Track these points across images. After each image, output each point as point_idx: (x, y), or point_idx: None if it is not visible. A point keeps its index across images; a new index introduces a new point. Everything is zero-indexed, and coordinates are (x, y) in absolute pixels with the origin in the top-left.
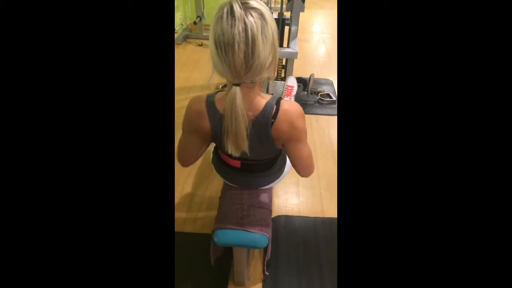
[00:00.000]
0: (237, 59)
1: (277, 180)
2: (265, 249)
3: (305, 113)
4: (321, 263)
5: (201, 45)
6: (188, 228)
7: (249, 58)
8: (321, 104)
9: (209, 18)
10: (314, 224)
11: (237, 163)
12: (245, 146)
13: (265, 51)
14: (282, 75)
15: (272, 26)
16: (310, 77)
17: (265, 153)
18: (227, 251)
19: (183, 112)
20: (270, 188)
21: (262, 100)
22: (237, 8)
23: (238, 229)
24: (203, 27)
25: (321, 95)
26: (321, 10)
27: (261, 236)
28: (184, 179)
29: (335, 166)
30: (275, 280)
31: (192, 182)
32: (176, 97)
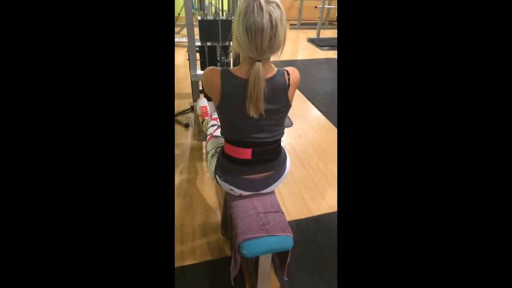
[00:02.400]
0: (264, 41)
1: (281, 178)
2: (280, 256)
3: None
4: (325, 256)
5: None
6: (189, 260)
7: (272, 40)
8: None
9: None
10: (307, 224)
11: (248, 153)
12: (262, 107)
13: (282, 33)
14: None
15: (284, 14)
16: None
17: (277, 115)
18: (240, 270)
19: None
20: (274, 194)
21: (273, 67)
22: (263, 3)
23: (265, 236)
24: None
25: None
26: None
27: (286, 237)
28: None
29: (304, 169)
30: (293, 282)
31: (176, 214)
32: None
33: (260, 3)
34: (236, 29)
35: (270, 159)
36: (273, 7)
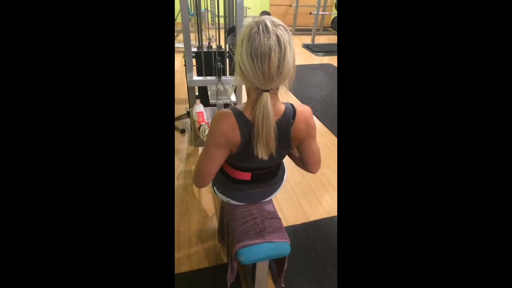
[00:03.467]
0: (272, 66)
1: (278, 190)
2: (277, 263)
3: None
4: (323, 262)
5: None
6: (185, 267)
7: (281, 64)
8: None
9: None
10: (303, 229)
11: (247, 176)
12: (274, 147)
13: (291, 58)
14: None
15: (292, 39)
16: None
17: (278, 156)
18: (237, 277)
19: None
20: (271, 200)
21: (282, 104)
22: (269, 24)
23: (262, 242)
24: None
25: None
26: None
27: (283, 243)
28: None
29: (301, 174)
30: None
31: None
32: None
33: (266, 24)
34: (239, 56)
35: (268, 178)
36: (280, 29)
